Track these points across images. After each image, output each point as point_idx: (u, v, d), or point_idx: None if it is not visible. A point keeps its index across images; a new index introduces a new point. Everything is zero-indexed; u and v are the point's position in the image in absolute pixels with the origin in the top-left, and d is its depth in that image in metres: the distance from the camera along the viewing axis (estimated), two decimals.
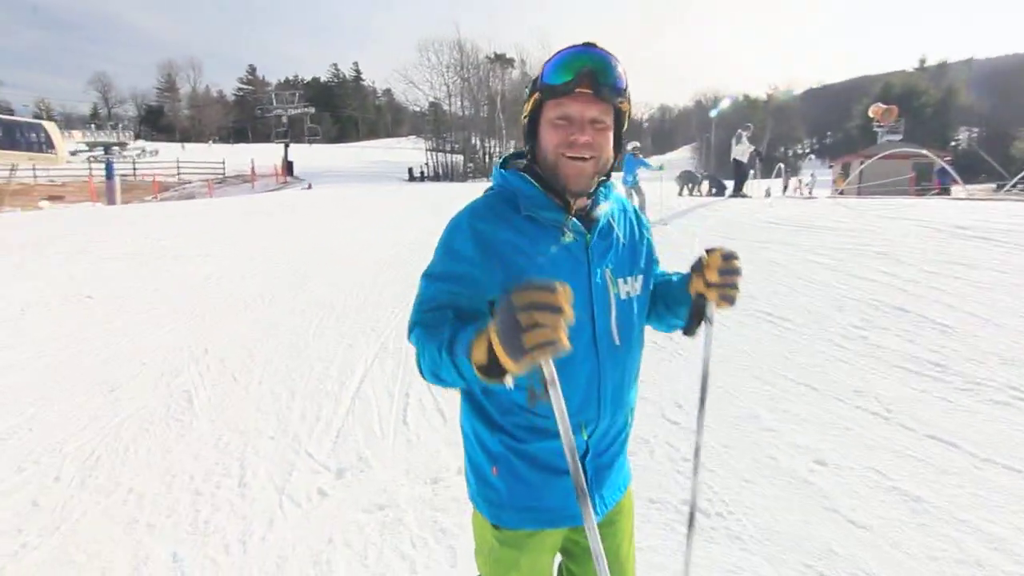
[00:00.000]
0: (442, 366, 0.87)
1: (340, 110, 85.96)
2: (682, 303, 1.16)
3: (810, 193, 16.43)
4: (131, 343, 4.66)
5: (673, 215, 9.79)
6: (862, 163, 19.32)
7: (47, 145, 30.31)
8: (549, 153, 1.02)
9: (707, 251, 1.09)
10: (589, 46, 1.00)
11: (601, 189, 1.10)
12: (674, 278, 1.22)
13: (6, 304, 5.61)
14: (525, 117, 1.07)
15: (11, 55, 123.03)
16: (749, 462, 2.67)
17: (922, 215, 7.41)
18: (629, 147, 9.94)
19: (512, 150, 1.46)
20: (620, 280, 1.10)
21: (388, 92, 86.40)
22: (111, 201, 23.35)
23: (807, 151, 78.69)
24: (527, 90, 1.07)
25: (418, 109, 53.26)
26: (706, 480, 2.54)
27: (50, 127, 31.80)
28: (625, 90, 1.01)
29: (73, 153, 34.46)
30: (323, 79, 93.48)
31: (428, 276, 1.02)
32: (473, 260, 0.99)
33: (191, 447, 2.99)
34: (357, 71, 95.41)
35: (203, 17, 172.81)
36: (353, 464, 2.79)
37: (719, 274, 1.06)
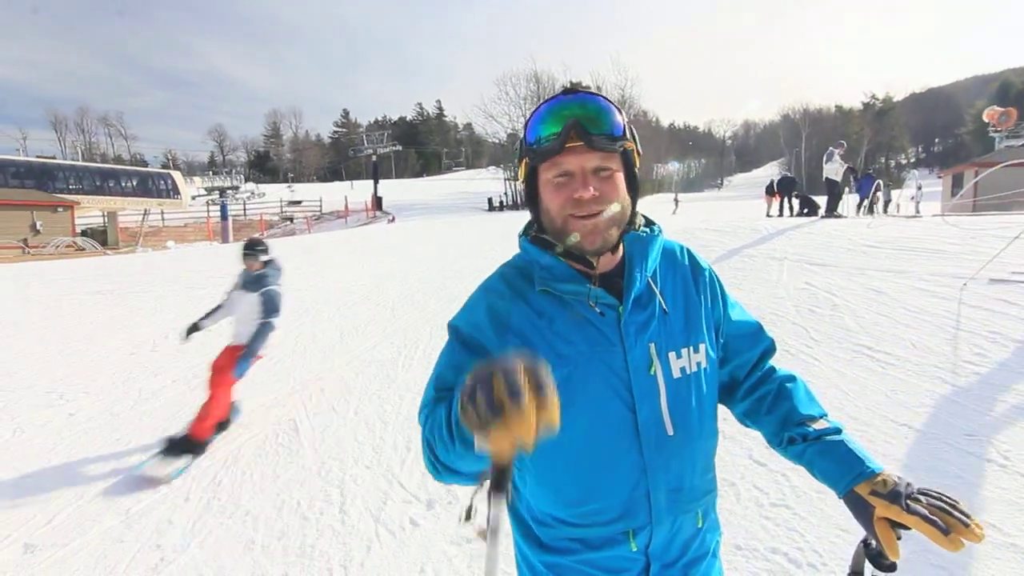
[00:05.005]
0: (446, 446, 0.81)
1: (424, 146, 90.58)
2: (826, 475, 0.93)
3: (916, 210, 14.97)
4: None
5: (759, 240, 9.35)
6: (977, 173, 17.57)
7: (174, 192, 34.35)
8: (555, 216, 0.90)
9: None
10: (572, 91, 0.89)
11: (636, 244, 0.95)
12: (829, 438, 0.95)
13: (149, 336, 6.41)
14: (522, 182, 0.97)
15: (144, 113, 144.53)
16: (845, 510, 2.52)
17: None
18: None
19: None
20: (671, 354, 0.93)
21: (468, 126, 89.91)
22: (225, 240, 25.95)
23: (911, 161, 72.59)
24: (516, 151, 0.97)
25: (496, 141, 54.92)
26: (797, 527, 2.46)
27: (176, 176, 36.04)
28: (624, 132, 0.89)
29: (194, 197, 38.69)
30: (408, 117, 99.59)
31: (442, 361, 0.96)
32: (489, 341, 0.92)
33: (298, 474, 3.29)
34: (440, 108, 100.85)
35: (304, 69, 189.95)
36: (442, 496, 2.95)
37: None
